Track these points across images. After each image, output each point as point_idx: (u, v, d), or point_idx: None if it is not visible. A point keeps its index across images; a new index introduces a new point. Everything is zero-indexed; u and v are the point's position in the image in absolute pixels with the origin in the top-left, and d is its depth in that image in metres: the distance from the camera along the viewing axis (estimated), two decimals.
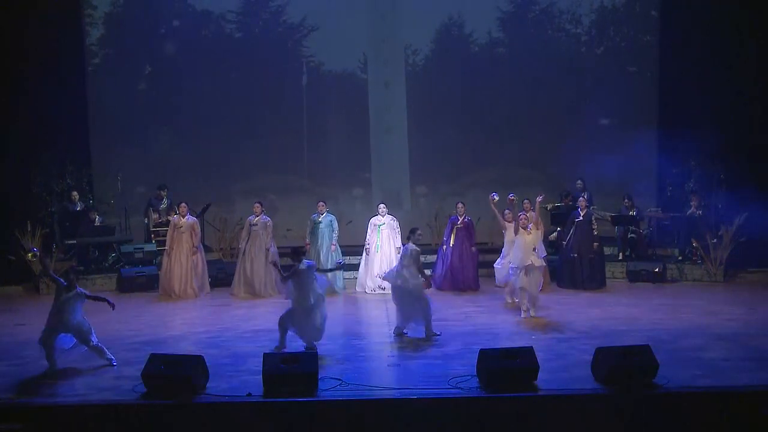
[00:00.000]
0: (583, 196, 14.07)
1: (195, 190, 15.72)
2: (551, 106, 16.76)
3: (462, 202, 13.71)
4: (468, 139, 17.01)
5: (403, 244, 11.16)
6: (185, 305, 12.68)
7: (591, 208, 13.89)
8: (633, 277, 14.03)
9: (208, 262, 13.95)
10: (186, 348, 9.61)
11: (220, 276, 14.03)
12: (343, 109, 17.25)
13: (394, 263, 11.74)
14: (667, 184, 15.63)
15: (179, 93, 16.89)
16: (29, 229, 13.80)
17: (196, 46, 16.99)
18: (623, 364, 7.87)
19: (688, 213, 14.50)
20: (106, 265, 14.64)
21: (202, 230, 14.18)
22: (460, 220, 13.51)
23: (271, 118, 17.14)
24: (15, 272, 13.89)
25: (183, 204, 13.43)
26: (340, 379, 8.11)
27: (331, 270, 12.03)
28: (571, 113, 16.52)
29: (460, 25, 17.26)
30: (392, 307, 10.54)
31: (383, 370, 8.84)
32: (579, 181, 15.24)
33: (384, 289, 12.71)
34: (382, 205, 13.75)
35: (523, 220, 11.24)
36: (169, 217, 14.06)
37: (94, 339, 8.82)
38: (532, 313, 11.11)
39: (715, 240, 14.02)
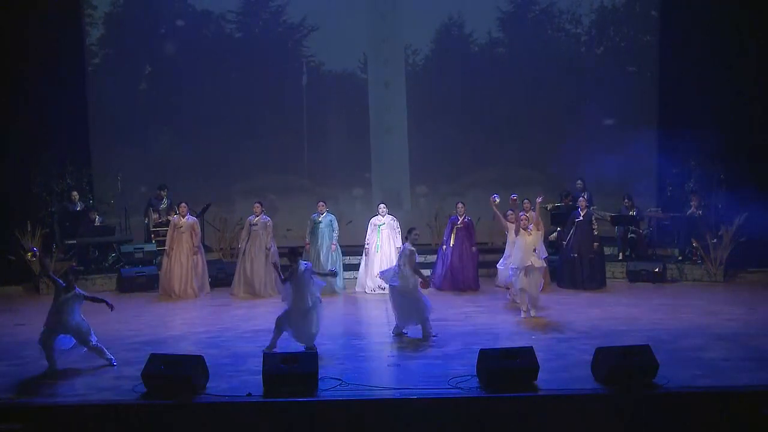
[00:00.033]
0: (583, 196, 14.08)
1: (195, 190, 15.71)
2: (551, 106, 16.76)
3: (462, 202, 13.72)
4: (468, 139, 17.01)
5: (403, 244, 11.15)
6: (185, 305, 12.68)
7: (591, 208, 13.89)
8: (633, 277, 14.03)
9: (208, 262, 13.96)
10: (186, 348, 9.61)
11: (220, 276, 14.03)
12: (343, 109, 17.25)
13: (394, 263, 11.73)
14: (667, 184, 15.63)
15: (179, 93, 16.89)
16: (29, 229, 13.80)
17: (196, 46, 17.00)
18: (623, 364, 7.87)
19: (688, 213, 14.51)
20: (106, 265, 14.64)
21: (202, 230, 14.19)
22: (460, 220, 13.52)
23: (271, 118, 17.15)
24: (15, 272, 13.89)
25: (183, 204, 13.43)
26: (340, 379, 8.11)
27: (324, 274, 11.78)
28: (571, 113, 16.52)
29: (460, 25, 17.27)
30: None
31: (383, 370, 8.84)
32: (579, 181, 15.23)
33: (384, 289, 12.69)
34: (382, 205, 13.76)
35: (523, 221, 11.24)
36: (169, 217, 14.06)
37: (94, 339, 8.82)
38: (532, 313, 11.11)
39: (715, 240, 14.02)
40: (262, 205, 13.52)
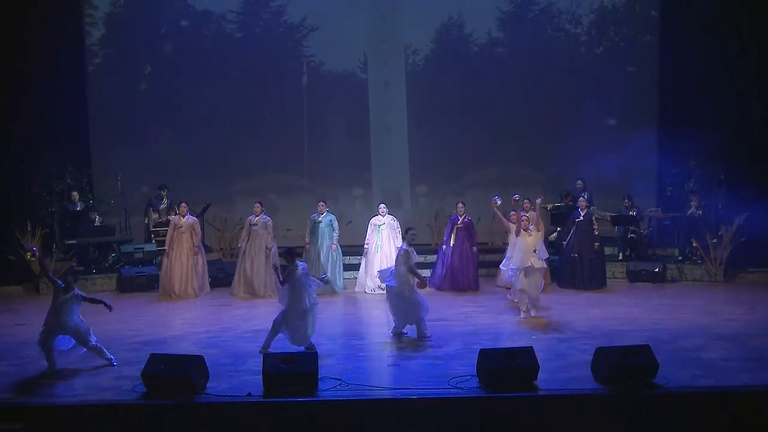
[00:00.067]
0: (583, 196, 14.08)
1: (195, 190, 15.71)
2: (551, 106, 16.76)
3: (462, 202, 13.72)
4: (468, 139, 17.00)
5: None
6: (185, 305, 12.68)
7: (591, 208, 13.89)
8: (633, 277, 14.03)
9: (208, 262, 13.95)
10: (186, 348, 9.61)
11: (220, 276, 14.04)
12: (343, 109, 17.25)
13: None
14: (667, 184, 15.63)
15: (179, 93, 16.89)
16: (29, 229, 13.80)
17: (197, 46, 17.00)
18: (623, 364, 7.87)
19: (688, 213, 14.51)
20: (106, 265, 14.64)
21: (202, 230, 14.18)
22: (460, 220, 13.52)
23: (271, 118, 17.15)
24: (15, 272, 13.89)
25: (183, 204, 13.42)
26: (340, 379, 8.11)
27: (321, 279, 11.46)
28: (571, 113, 16.51)
29: (460, 25, 17.26)
30: None
31: (383, 370, 8.84)
32: (579, 181, 15.23)
33: (383, 289, 12.69)
34: (382, 205, 13.76)
35: (524, 222, 11.24)
36: (169, 216, 14.06)
37: (93, 339, 8.83)
38: (532, 313, 11.11)
39: (715, 240, 14.02)
40: (262, 205, 13.52)
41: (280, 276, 9.55)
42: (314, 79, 17.23)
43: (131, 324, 11.09)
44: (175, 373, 7.77)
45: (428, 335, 9.94)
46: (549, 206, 14.95)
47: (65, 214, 14.81)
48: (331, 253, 13.46)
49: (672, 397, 7.71)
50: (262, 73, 17.05)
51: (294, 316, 9.20)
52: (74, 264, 13.17)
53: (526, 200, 12.94)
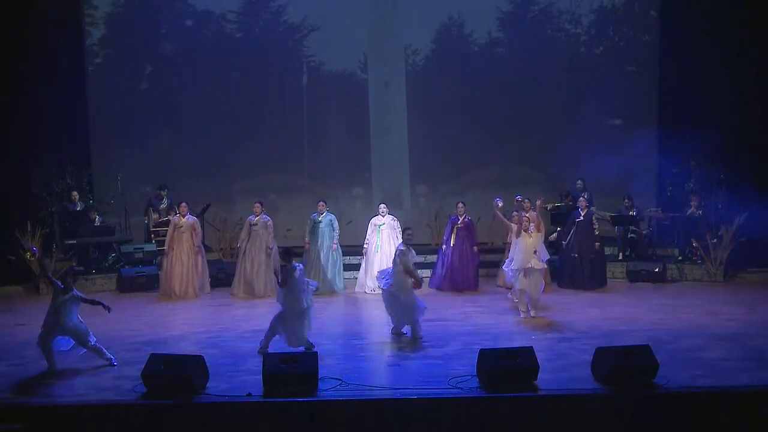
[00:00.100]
0: (583, 196, 14.08)
1: (195, 190, 15.70)
2: (551, 106, 16.76)
3: (462, 202, 13.71)
4: (468, 139, 17.00)
5: None
6: (185, 305, 12.68)
7: (591, 208, 13.89)
8: (633, 277, 14.03)
9: (208, 262, 13.95)
10: (186, 348, 9.61)
11: (220, 276, 14.03)
12: (343, 109, 17.25)
13: None
14: (667, 184, 15.63)
15: (179, 93, 16.89)
16: (29, 229, 13.79)
17: (197, 46, 17.00)
18: (623, 364, 7.87)
19: (688, 213, 14.50)
20: (106, 265, 14.63)
21: (203, 230, 14.17)
22: (461, 219, 13.51)
23: (271, 118, 17.15)
24: (15, 272, 13.89)
25: (183, 204, 13.42)
26: (340, 379, 8.11)
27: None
28: (571, 113, 16.51)
29: (460, 25, 17.26)
30: None
31: (383, 370, 8.84)
32: (579, 181, 15.23)
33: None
34: (382, 205, 13.75)
35: (525, 222, 11.24)
36: (169, 216, 14.06)
37: (93, 340, 8.83)
38: (532, 313, 11.11)
39: (715, 240, 14.02)
40: (262, 205, 13.52)
41: (279, 278, 9.53)
42: (314, 79, 17.23)
43: (131, 324, 11.09)
44: (175, 373, 7.78)
45: (421, 336, 9.93)
46: (549, 206, 14.94)
47: (65, 214, 14.81)
48: (332, 253, 13.46)
49: (672, 397, 7.71)
50: (262, 73, 17.05)
51: (291, 317, 9.19)
52: (74, 264, 13.16)
53: (526, 200, 12.93)
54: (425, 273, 13.67)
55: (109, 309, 8.99)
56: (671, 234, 15.22)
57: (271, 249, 13.14)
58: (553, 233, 14.25)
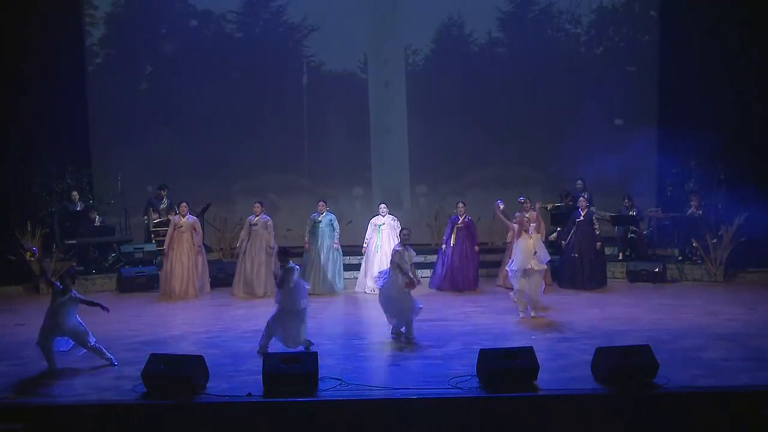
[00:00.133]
0: (583, 196, 14.08)
1: (195, 190, 15.69)
2: (551, 106, 16.75)
3: (462, 202, 13.71)
4: (468, 139, 16.99)
5: None
6: (185, 305, 12.68)
7: (591, 208, 13.88)
8: (633, 277, 14.03)
9: (208, 262, 13.94)
10: (186, 348, 9.62)
11: (220, 276, 14.03)
12: (343, 109, 17.24)
13: None
14: (667, 184, 15.62)
15: (179, 93, 16.88)
16: (29, 229, 13.80)
17: (197, 46, 16.99)
18: (623, 364, 7.87)
19: (688, 213, 14.50)
20: (106, 265, 14.63)
21: (203, 230, 14.16)
22: (461, 219, 13.51)
23: (271, 118, 17.15)
24: (15, 272, 13.89)
25: (183, 203, 13.41)
26: (340, 379, 8.11)
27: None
28: (571, 113, 16.50)
29: (460, 25, 17.25)
30: None
31: (383, 370, 8.85)
32: (579, 181, 15.23)
33: None
34: (382, 205, 13.75)
35: (525, 223, 11.24)
36: (169, 216, 14.05)
37: (92, 340, 8.83)
38: (532, 313, 11.11)
39: (715, 240, 14.02)
40: (262, 205, 13.52)
41: (277, 279, 9.49)
42: (314, 79, 17.22)
43: (131, 324, 11.09)
44: (175, 373, 7.78)
45: (413, 337, 9.95)
46: (549, 206, 14.96)
47: (65, 214, 14.81)
48: (332, 253, 13.45)
49: (672, 397, 7.71)
50: (262, 73, 17.05)
51: (289, 317, 9.18)
52: (74, 264, 13.16)
53: (526, 200, 12.93)
54: (425, 273, 13.69)
55: (107, 310, 9.00)
56: (671, 234, 15.22)
57: (273, 249, 13.14)
58: (553, 233, 14.25)
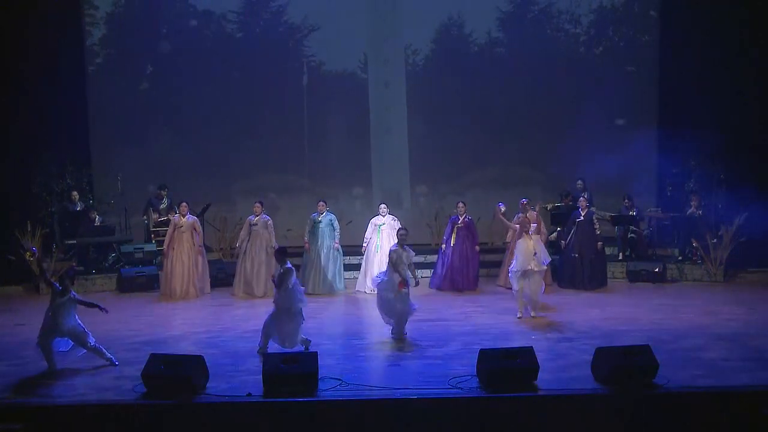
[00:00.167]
0: (583, 196, 14.08)
1: (195, 190, 15.69)
2: (551, 106, 16.76)
3: (463, 202, 13.72)
4: (468, 139, 17.00)
5: None
6: (185, 305, 12.68)
7: (591, 208, 13.88)
8: (633, 277, 14.03)
9: (209, 262, 13.94)
10: (186, 348, 9.61)
11: (220, 276, 14.03)
12: (343, 109, 17.25)
13: None
14: (667, 184, 15.63)
15: (179, 93, 16.89)
16: (29, 229, 13.80)
17: (197, 46, 17.00)
18: (623, 364, 7.87)
19: (688, 213, 14.50)
20: (106, 265, 14.63)
21: (203, 230, 14.16)
22: (461, 219, 13.50)
23: (271, 118, 17.15)
24: (15, 272, 13.89)
25: (184, 203, 13.41)
26: (340, 379, 8.11)
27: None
28: (571, 113, 16.51)
29: (460, 25, 17.26)
30: None
31: (383, 370, 8.85)
32: (579, 181, 15.23)
33: None
34: (383, 205, 13.75)
35: (525, 224, 11.24)
36: (169, 216, 14.05)
37: (92, 340, 8.83)
38: (532, 314, 11.10)
39: (715, 240, 14.02)
40: (262, 205, 13.52)
41: (275, 279, 9.48)
42: (314, 79, 17.22)
43: (131, 324, 11.09)
44: (175, 373, 7.77)
45: (402, 336, 9.98)
46: (549, 206, 14.96)
47: (65, 214, 14.81)
48: (332, 253, 13.45)
49: (672, 397, 7.71)
50: (263, 73, 17.06)
51: (285, 318, 9.17)
52: (74, 264, 13.16)
53: (529, 202, 12.93)
54: (425, 273, 13.69)
55: (106, 311, 9.00)
56: (671, 234, 15.22)
57: (274, 249, 13.11)
58: (553, 233, 14.25)
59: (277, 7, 17.10)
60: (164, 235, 13.69)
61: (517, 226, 12.02)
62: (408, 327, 10.17)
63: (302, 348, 9.18)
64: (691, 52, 15.59)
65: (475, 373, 8.11)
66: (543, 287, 11.35)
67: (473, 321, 11.08)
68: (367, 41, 17.25)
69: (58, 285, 8.76)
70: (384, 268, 12.53)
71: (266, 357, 8.19)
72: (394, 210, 14.65)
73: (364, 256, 13.61)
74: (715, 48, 15.25)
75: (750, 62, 15.11)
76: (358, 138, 17.18)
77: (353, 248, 14.22)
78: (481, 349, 8.18)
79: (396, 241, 13.04)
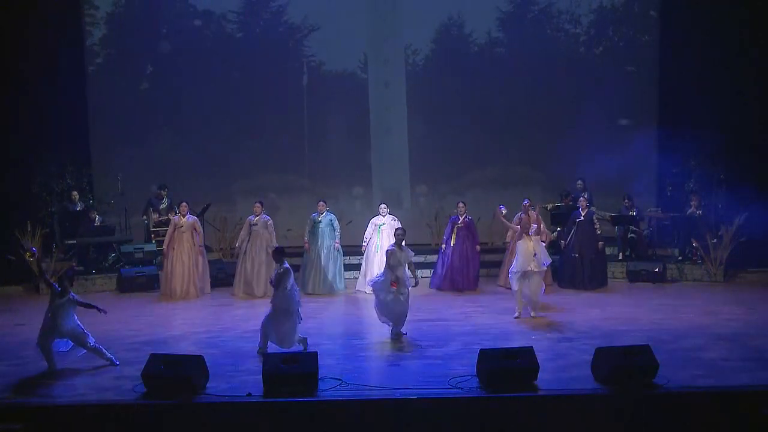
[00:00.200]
0: (583, 196, 14.08)
1: (195, 190, 15.70)
2: (551, 105, 16.76)
3: (463, 202, 13.72)
4: (468, 139, 17.00)
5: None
6: (186, 305, 12.68)
7: (591, 208, 13.88)
8: (633, 277, 14.03)
9: (209, 262, 13.94)
10: (186, 348, 9.62)
11: (220, 276, 14.03)
12: (343, 109, 17.25)
13: None
14: (667, 184, 15.63)
15: (179, 93, 16.89)
16: (29, 229, 13.79)
17: (197, 46, 16.99)
18: (623, 364, 7.87)
19: (688, 213, 14.50)
20: (106, 265, 14.63)
21: (203, 230, 14.15)
22: (461, 219, 13.50)
23: (271, 118, 17.14)
24: (15, 272, 13.88)
25: (184, 203, 13.41)
26: (340, 379, 8.11)
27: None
28: (571, 113, 16.50)
29: (460, 25, 17.26)
30: None
31: (383, 370, 8.85)
32: (579, 181, 15.23)
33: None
34: (383, 206, 13.75)
35: (526, 224, 11.24)
36: (169, 216, 14.05)
37: (92, 341, 8.83)
38: (532, 313, 11.11)
39: (715, 240, 14.02)
40: (262, 205, 13.52)
41: (273, 280, 9.48)
42: (314, 79, 17.22)
43: (131, 324, 11.09)
44: (175, 373, 7.78)
45: (404, 332, 10.00)
46: (549, 206, 14.95)
47: (65, 214, 14.81)
48: (332, 253, 13.44)
49: (672, 397, 7.71)
50: (263, 73, 17.05)
51: (282, 318, 9.17)
52: (74, 265, 13.16)
53: (531, 203, 12.95)
54: (425, 273, 13.70)
55: (104, 312, 8.99)
56: (671, 234, 15.22)
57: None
58: (553, 233, 14.24)
59: (277, 7, 17.10)
60: (164, 235, 13.69)
61: (518, 226, 12.01)
62: (408, 327, 10.18)
63: (300, 347, 9.19)
64: (691, 52, 15.59)
65: (475, 373, 8.12)
66: (543, 287, 11.35)
67: (473, 321, 11.08)
68: (367, 41, 17.25)
69: (57, 286, 8.76)
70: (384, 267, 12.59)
71: (266, 357, 8.19)
72: (394, 210, 14.65)
73: (364, 256, 13.60)
74: (715, 48, 15.25)
75: (750, 62, 15.11)
76: (358, 138, 17.18)
77: (353, 248, 14.22)
78: (481, 349, 8.19)
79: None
